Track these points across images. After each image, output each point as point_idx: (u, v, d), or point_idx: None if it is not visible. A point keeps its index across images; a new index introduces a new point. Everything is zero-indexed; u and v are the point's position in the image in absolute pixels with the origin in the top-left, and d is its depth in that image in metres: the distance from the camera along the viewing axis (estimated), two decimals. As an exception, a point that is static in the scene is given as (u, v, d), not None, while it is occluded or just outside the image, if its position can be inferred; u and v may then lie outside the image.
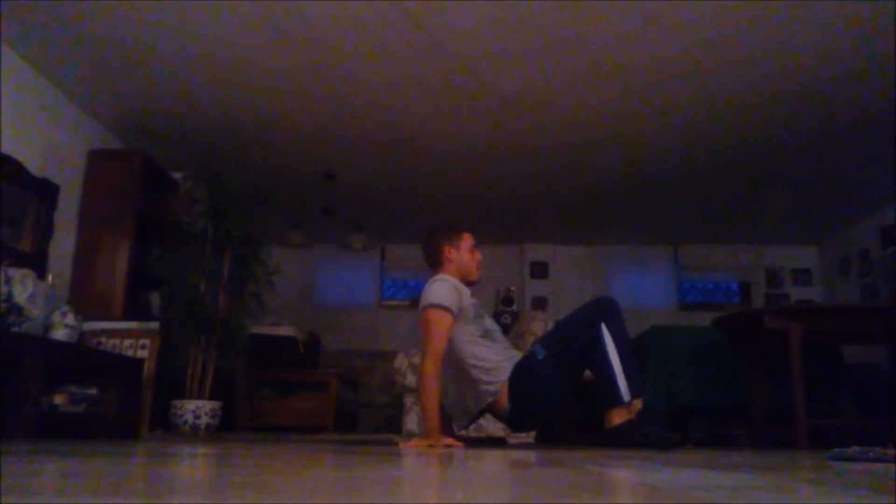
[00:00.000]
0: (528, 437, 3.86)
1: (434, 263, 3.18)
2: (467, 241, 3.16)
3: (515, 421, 3.00)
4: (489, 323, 3.07)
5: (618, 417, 2.71)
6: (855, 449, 2.15)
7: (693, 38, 3.89)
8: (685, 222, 7.30)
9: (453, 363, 2.97)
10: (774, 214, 6.65)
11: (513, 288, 7.60)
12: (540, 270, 8.00)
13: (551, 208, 6.92)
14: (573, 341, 2.84)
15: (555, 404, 2.93)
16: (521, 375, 2.89)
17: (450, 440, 2.76)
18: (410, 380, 3.87)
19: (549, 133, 5.20)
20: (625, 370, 2.70)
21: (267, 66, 4.30)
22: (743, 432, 4.50)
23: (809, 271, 7.87)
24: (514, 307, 7.48)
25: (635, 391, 2.71)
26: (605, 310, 2.83)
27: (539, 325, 4.05)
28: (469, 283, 3.10)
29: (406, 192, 6.56)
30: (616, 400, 2.69)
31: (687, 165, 5.74)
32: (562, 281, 8.00)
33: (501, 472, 1.41)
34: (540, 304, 7.79)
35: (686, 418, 4.63)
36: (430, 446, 2.66)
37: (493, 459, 1.92)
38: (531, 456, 2.18)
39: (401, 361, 3.92)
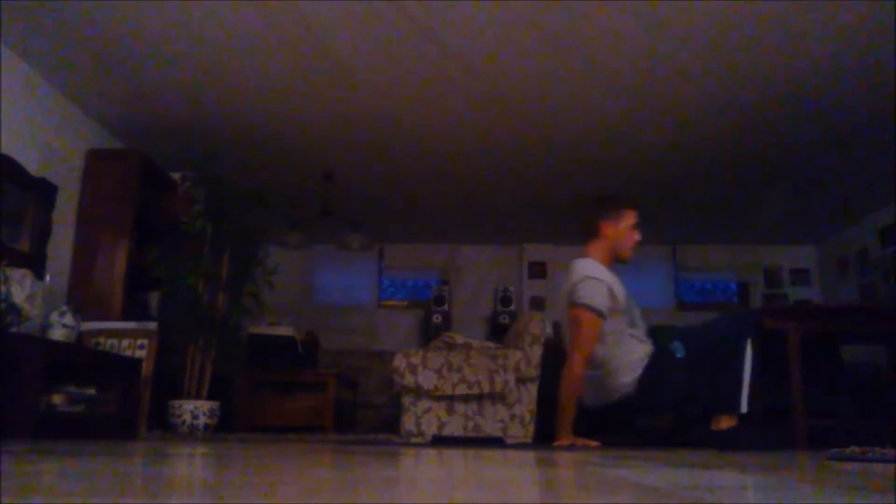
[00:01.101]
0: (527, 437, 3.86)
1: (587, 234, 3.10)
2: (629, 218, 3.09)
3: (638, 404, 3.07)
4: (637, 312, 3.13)
5: (726, 422, 2.84)
6: (854, 449, 2.15)
7: (693, 38, 3.89)
8: (684, 222, 7.31)
9: (597, 361, 3.03)
10: (773, 214, 6.65)
11: (511, 288, 7.60)
12: (538, 270, 8.00)
13: (550, 208, 6.92)
14: (716, 349, 2.91)
15: (677, 400, 3.01)
16: (656, 367, 2.97)
17: (585, 440, 2.82)
18: (409, 380, 3.87)
19: (549, 133, 5.20)
20: (751, 386, 2.82)
21: (266, 67, 4.30)
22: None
23: (808, 271, 7.87)
24: (513, 307, 7.48)
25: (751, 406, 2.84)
26: (753, 328, 2.92)
27: (537, 325, 4.05)
28: (618, 261, 3.09)
29: (404, 193, 6.55)
30: (733, 407, 2.82)
31: (686, 165, 5.74)
32: (560, 281, 7.99)
33: (501, 472, 1.41)
34: (538, 304, 7.80)
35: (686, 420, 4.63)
36: (572, 445, 2.73)
37: (493, 459, 1.92)
38: (531, 456, 2.18)
39: (399, 361, 3.92)
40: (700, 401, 2.98)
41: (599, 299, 2.92)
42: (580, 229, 3.13)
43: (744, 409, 2.83)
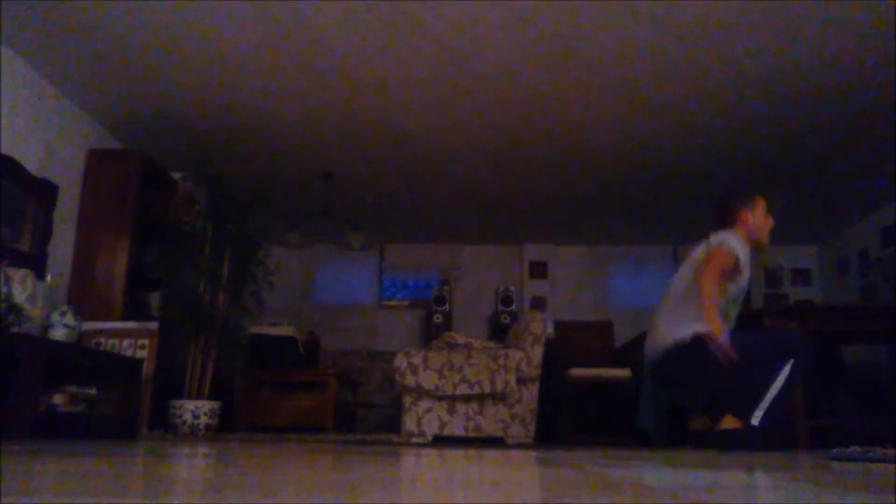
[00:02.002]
0: (528, 437, 3.86)
1: (726, 223, 3.25)
2: (761, 205, 3.26)
3: (666, 368, 3.18)
4: (741, 291, 3.18)
5: (729, 423, 2.94)
6: (855, 449, 2.15)
7: (693, 38, 3.89)
8: (685, 222, 7.30)
9: (678, 302, 3.14)
10: (774, 214, 6.65)
11: (512, 288, 7.60)
12: (539, 270, 8.00)
13: (551, 208, 6.91)
14: (755, 358, 2.97)
15: (696, 385, 3.09)
16: (701, 346, 3.01)
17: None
18: (410, 380, 3.87)
19: (549, 133, 5.20)
20: (772, 403, 2.90)
21: (266, 67, 4.30)
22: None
23: (809, 271, 7.87)
24: (514, 307, 7.48)
25: (767, 421, 2.91)
26: (802, 356, 2.99)
27: (538, 325, 4.05)
28: (757, 248, 3.24)
29: (405, 192, 6.55)
30: (745, 413, 2.91)
31: (687, 165, 5.74)
32: (561, 281, 8.00)
33: (501, 472, 1.41)
34: (539, 303, 7.80)
35: (685, 418, 4.63)
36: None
37: (493, 459, 1.92)
38: (531, 456, 2.18)
39: (400, 361, 3.92)
40: (717, 396, 3.01)
41: (742, 253, 3.07)
42: (718, 220, 3.30)
43: (755, 421, 2.89)
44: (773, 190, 6.10)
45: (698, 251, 3.21)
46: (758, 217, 3.23)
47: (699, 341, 2.97)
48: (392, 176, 6.14)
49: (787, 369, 2.92)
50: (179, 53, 4.15)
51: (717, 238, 3.14)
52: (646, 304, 7.76)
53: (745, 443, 2.86)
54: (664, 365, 3.16)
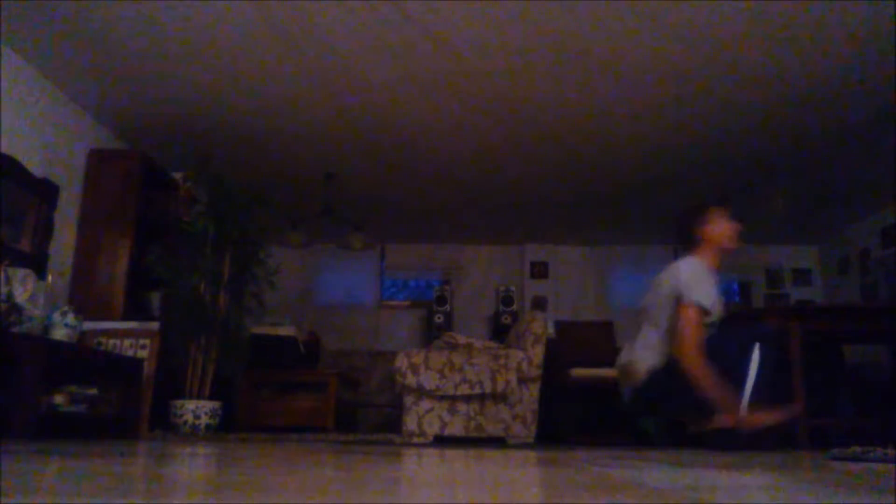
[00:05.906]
0: (529, 437, 3.87)
1: (687, 245, 3.30)
2: (718, 214, 3.26)
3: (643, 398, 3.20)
4: (716, 313, 3.19)
5: (720, 422, 2.92)
6: (855, 449, 2.16)
7: (693, 38, 3.89)
8: (685, 222, 7.30)
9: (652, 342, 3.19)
10: (774, 214, 6.65)
11: (513, 288, 7.60)
12: (540, 270, 8.00)
13: (551, 208, 6.91)
14: (728, 357, 2.96)
15: (676, 406, 3.15)
16: (673, 370, 3.04)
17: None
18: (411, 380, 3.87)
19: (549, 133, 5.20)
20: (753, 393, 2.88)
21: (267, 66, 4.30)
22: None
23: (809, 271, 7.86)
24: (514, 307, 7.48)
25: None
26: (764, 336, 2.99)
27: (539, 325, 4.05)
28: (726, 254, 3.29)
29: (406, 192, 6.55)
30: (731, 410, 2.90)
31: (687, 165, 5.74)
32: (562, 281, 8.00)
33: (501, 472, 1.41)
34: (540, 303, 7.80)
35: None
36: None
37: (493, 459, 1.92)
38: (531, 456, 2.18)
39: (401, 361, 3.92)
40: (700, 406, 3.01)
41: (705, 297, 3.05)
42: (681, 243, 3.33)
43: (743, 412, 2.88)
44: (773, 190, 6.11)
45: (664, 280, 3.20)
46: (718, 227, 3.22)
47: (672, 364, 3.00)
48: (393, 176, 6.14)
49: (755, 356, 2.90)
50: (180, 53, 4.15)
51: (678, 274, 3.12)
52: (646, 304, 7.75)
53: (738, 439, 2.86)
54: (642, 393, 3.17)
